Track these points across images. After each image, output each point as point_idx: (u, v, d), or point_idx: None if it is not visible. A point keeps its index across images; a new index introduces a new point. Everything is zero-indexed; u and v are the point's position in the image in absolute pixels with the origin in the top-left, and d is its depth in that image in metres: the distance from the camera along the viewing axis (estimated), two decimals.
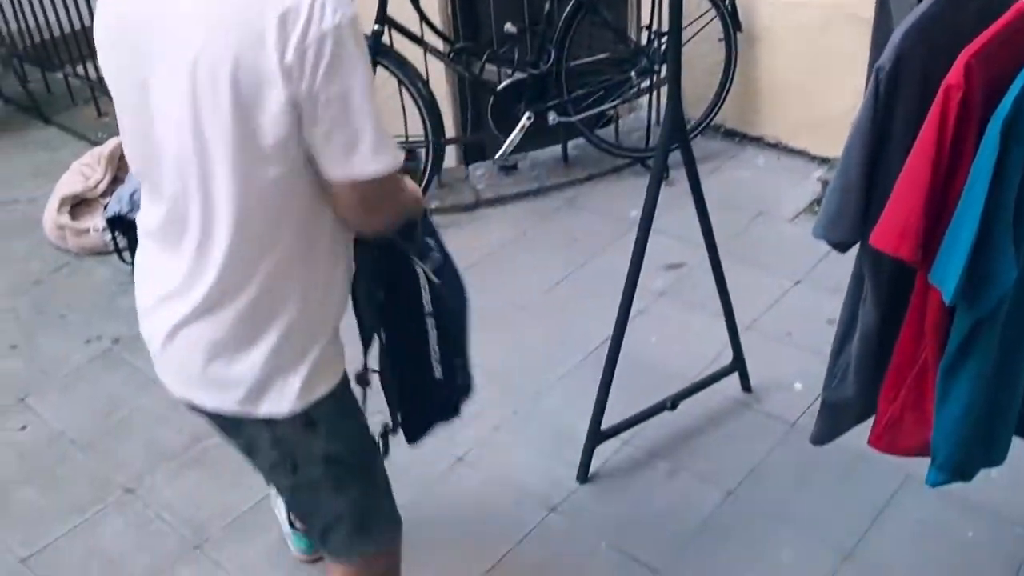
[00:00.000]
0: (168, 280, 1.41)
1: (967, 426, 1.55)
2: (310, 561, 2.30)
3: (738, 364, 2.69)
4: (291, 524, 2.28)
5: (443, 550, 2.31)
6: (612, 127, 4.00)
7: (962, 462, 1.62)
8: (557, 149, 3.99)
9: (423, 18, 3.50)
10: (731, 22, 3.75)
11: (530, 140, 3.90)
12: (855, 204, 1.50)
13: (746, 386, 2.75)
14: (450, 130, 4.10)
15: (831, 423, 1.87)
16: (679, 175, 3.83)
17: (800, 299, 3.12)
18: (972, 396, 1.51)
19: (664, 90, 3.85)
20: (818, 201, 3.55)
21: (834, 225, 1.55)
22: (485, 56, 3.64)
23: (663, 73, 3.84)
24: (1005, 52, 1.28)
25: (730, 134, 4.13)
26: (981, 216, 1.28)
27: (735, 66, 3.86)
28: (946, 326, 1.49)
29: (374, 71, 3.33)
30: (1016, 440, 1.72)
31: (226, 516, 2.47)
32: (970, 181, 1.29)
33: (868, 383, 1.73)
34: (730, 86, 3.90)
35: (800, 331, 2.95)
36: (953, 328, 1.46)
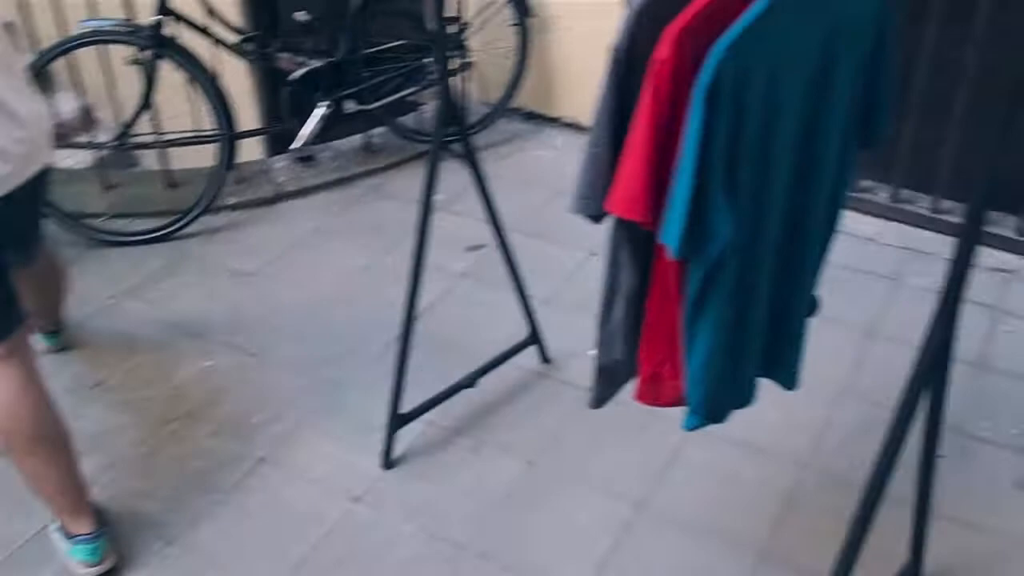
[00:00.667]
0: None
1: (712, 371, 1.66)
2: None
3: (534, 337, 2.77)
4: None
5: (243, 554, 2.28)
6: (415, 113, 4.03)
7: (712, 406, 1.73)
8: (359, 138, 3.99)
9: (208, 7, 3.42)
10: (523, 8, 3.83)
11: (335, 129, 3.89)
12: (604, 178, 1.57)
13: (544, 357, 2.83)
14: (255, 124, 4.04)
15: (606, 385, 1.95)
16: (481, 158, 3.93)
17: (595, 271, 3.21)
18: (712, 343, 1.62)
19: (466, 75, 3.94)
20: None
21: (587, 199, 1.63)
22: (276, 46, 3.59)
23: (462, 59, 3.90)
24: (712, 26, 1.37)
25: (530, 116, 4.23)
26: (694, 177, 1.38)
27: (529, 51, 3.95)
28: (684, 282, 1.58)
29: (154, 65, 3.25)
30: (771, 383, 1.85)
31: (4, 549, 2.31)
32: (683, 144, 1.38)
33: (635, 344, 1.82)
34: (525, 70, 3.99)
35: (595, 301, 3.03)
36: (687, 282, 1.56)
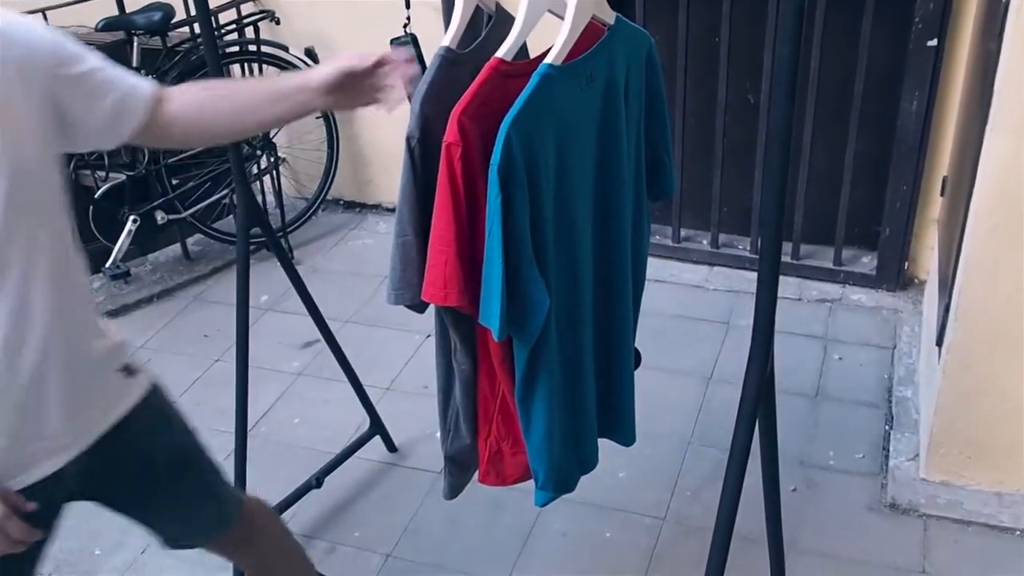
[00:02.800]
0: None
1: (553, 444, 1.68)
2: None
3: (376, 427, 2.73)
4: None
5: None
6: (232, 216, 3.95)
7: (560, 477, 1.74)
8: (177, 247, 3.89)
9: None
10: None
11: (150, 242, 3.78)
12: (416, 265, 1.57)
13: (391, 446, 2.80)
14: None
15: (458, 474, 1.92)
16: (304, 253, 3.89)
17: (432, 352, 3.22)
18: (549, 416, 1.63)
19: (277, 172, 3.90)
20: None
21: (403, 289, 1.61)
22: (72, 163, 3.47)
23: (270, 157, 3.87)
24: (490, 107, 1.41)
25: (350, 205, 4.22)
26: (502, 255, 1.40)
27: (338, 140, 3.96)
28: (511, 359, 1.60)
29: None
30: (607, 442, 1.88)
31: None
32: (487, 226, 1.40)
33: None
34: (336, 160, 4.00)
35: (434, 383, 3.04)
36: (515, 359, 1.57)
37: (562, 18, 1.45)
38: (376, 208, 4.17)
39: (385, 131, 3.90)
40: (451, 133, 1.34)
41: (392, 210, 4.10)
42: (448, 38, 1.51)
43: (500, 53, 1.40)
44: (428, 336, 3.28)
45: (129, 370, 1.48)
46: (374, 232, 4.05)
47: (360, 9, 3.58)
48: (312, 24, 3.80)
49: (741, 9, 3.20)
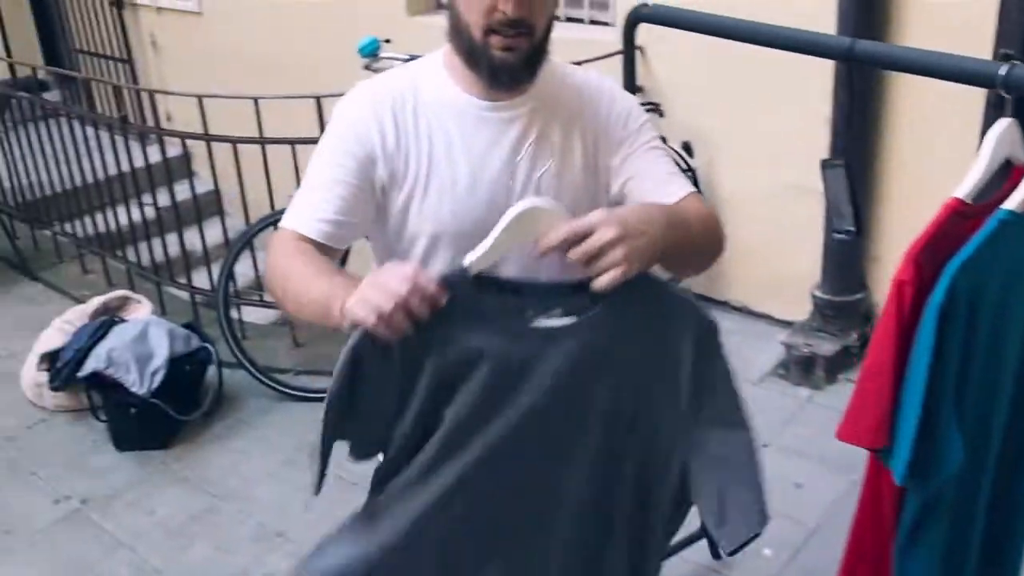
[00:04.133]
0: None
1: None
2: None
3: (705, 530, 2.69)
4: None
5: None
6: None
7: None
8: None
9: None
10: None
11: None
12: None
13: (715, 553, 2.75)
14: None
15: None
16: None
17: (768, 462, 3.15)
18: (926, 573, 1.55)
19: None
20: (783, 364, 3.64)
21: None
22: None
23: None
24: (943, 248, 1.38)
25: (699, 298, 4.23)
26: (923, 399, 1.35)
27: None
28: (899, 505, 1.54)
29: None
30: None
31: None
32: (912, 364, 1.36)
33: None
34: None
35: (769, 495, 2.97)
36: (905, 507, 1.51)
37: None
38: (724, 304, 4.16)
39: (747, 224, 3.90)
40: (905, 271, 1.33)
41: (740, 309, 4.10)
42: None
43: (960, 193, 1.38)
44: (764, 446, 3.20)
45: None
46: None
47: (742, 103, 3.63)
48: (692, 117, 3.89)
49: None
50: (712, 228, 1.47)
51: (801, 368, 3.56)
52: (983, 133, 3.06)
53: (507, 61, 1.38)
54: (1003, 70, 1.48)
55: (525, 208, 1.24)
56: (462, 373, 1.27)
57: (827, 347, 3.56)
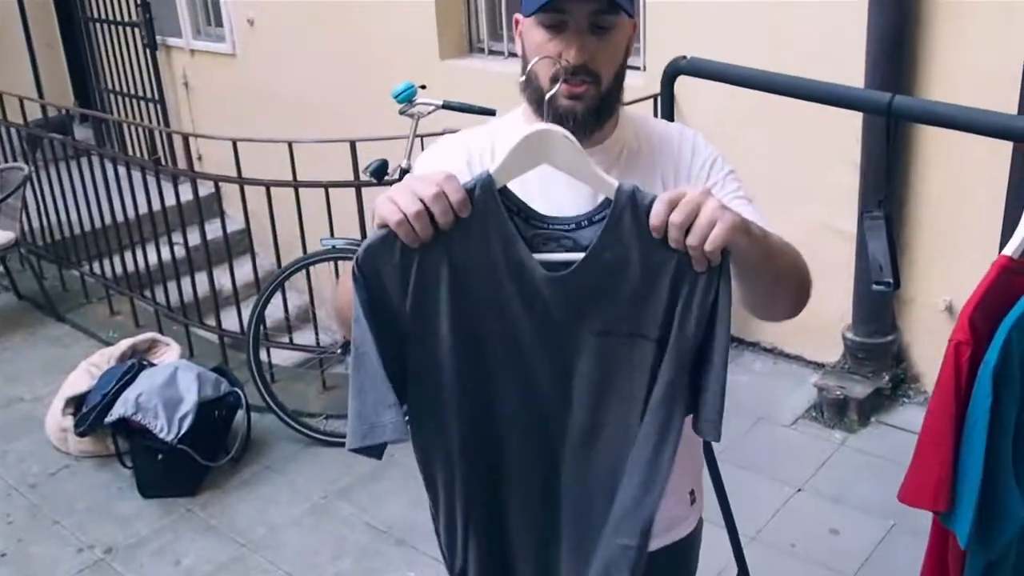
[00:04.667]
0: None
1: None
2: None
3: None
4: None
5: None
6: None
7: None
8: None
9: None
10: None
11: None
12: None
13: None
14: None
15: None
16: None
17: (803, 507, 3.12)
18: None
19: None
20: (815, 406, 3.60)
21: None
22: None
23: None
24: (996, 306, 1.35)
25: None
26: (984, 461, 1.32)
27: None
28: (965, 563, 1.50)
29: None
30: None
31: None
32: (968, 426, 1.34)
33: None
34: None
35: (804, 542, 2.93)
36: (967, 568, 1.47)
37: None
38: (755, 346, 4.13)
39: None
40: (961, 331, 1.30)
41: (771, 351, 4.07)
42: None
43: (1008, 250, 1.35)
44: (798, 490, 3.18)
45: None
46: (749, 370, 4.01)
47: (773, 146, 3.61)
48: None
49: None
50: (801, 266, 1.40)
51: (834, 411, 3.53)
52: (1010, 180, 3.07)
53: (573, 109, 1.37)
54: None
55: (534, 131, 1.23)
56: (474, 285, 1.25)
57: (859, 389, 3.53)
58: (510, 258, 1.23)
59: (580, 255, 1.22)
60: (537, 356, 1.29)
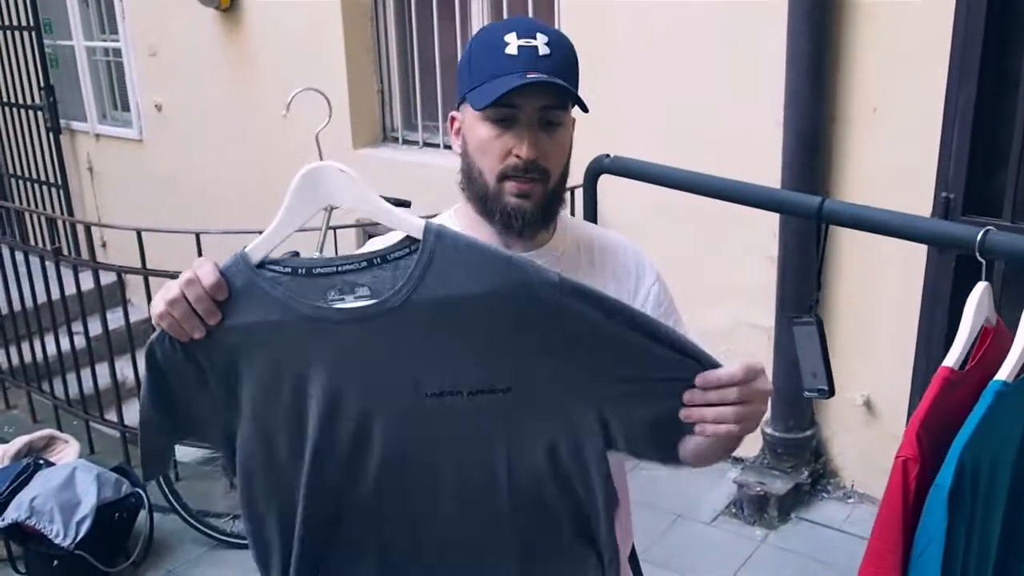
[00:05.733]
0: None
1: None
2: None
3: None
4: None
5: None
6: None
7: None
8: None
9: None
10: None
11: None
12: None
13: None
14: None
15: None
16: None
17: None
18: None
19: None
20: (735, 503, 3.58)
21: None
22: None
23: None
24: (940, 420, 1.34)
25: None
26: None
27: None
28: None
29: None
30: None
31: None
32: (919, 548, 1.31)
33: None
34: None
35: None
36: None
37: None
38: None
39: None
40: (909, 446, 1.28)
41: None
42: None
43: (949, 361, 1.35)
44: None
45: None
46: None
47: (690, 242, 3.66)
48: None
49: None
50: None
51: (755, 507, 3.51)
52: (926, 276, 3.15)
53: (521, 207, 1.33)
54: (979, 235, 1.48)
55: (306, 172, 1.17)
56: (274, 373, 1.17)
57: (779, 485, 3.53)
58: (298, 321, 1.13)
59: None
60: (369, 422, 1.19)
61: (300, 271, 1.14)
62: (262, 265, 1.15)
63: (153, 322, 1.16)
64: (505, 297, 1.12)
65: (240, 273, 1.14)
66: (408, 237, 1.14)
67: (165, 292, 1.15)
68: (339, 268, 1.14)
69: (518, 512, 1.23)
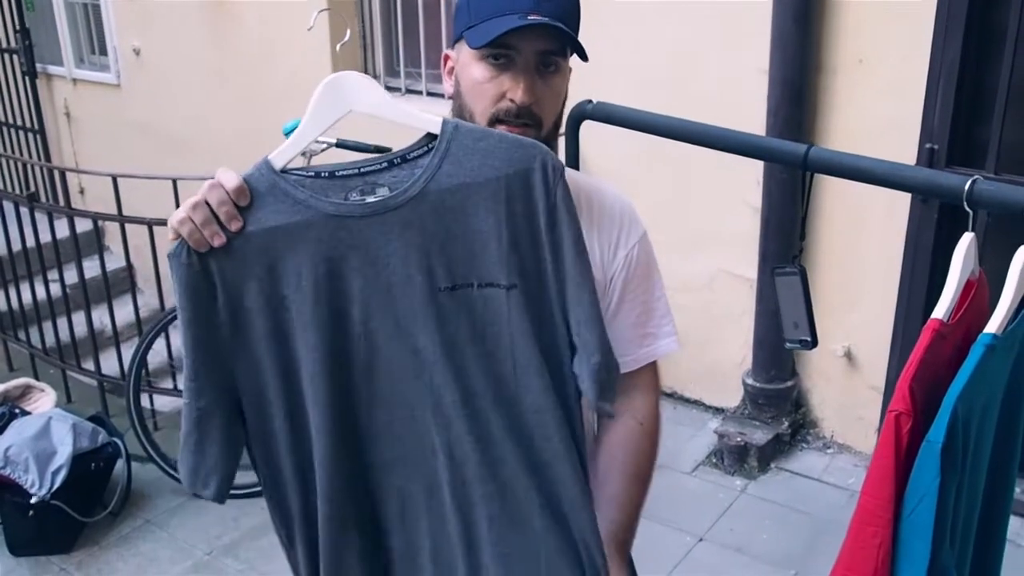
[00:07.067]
0: None
1: None
2: None
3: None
4: None
5: None
6: None
7: None
8: None
9: None
10: None
11: None
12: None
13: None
14: None
15: None
16: None
17: (705, 558, 3.09)
18: None
19: None
20: (715, 452, 3.59)
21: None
22: None
23: None
24: (930, 373, 1.32)
25: None
26: (931, 542, 1.27)
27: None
28: None
29: None
30: None
31: None
32: (912, 504, 1.29)
33: None
34: None
35: None
36: None
37: None
38: None
39: (677, 311, 3.87)
40: (902, 400, 1.25)
41: (670, 395, 4.05)
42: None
43: (938, 313, 1.32)
44: (700, 540, 3.15)
45: None
46: None
47: (672, 190, 3.62)
48: None
49: None
50: (645, 469, 1.50)
51: (735, 457, 3.53)
52: (909, 228, 3.13)
53: None
54: (967, 185, 1.45)
55: (328, 81, 1.17)
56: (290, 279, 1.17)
57: (759, 435, 3.54)
58: (322, 220, 1.14)
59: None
60: (386, 325, 1.18)
61: (323, 174, 1.17)
62: (285, 171, 1.17)
63: (171, 230, 1.14)
64: (514, 177, 1.17)
65: (264, 178, 1.16)
66: (427, 135, 1.17)
67: (186, 201, 1.14)
68: (360, 169, 1.17)
69: (528, 415, 1.23)
